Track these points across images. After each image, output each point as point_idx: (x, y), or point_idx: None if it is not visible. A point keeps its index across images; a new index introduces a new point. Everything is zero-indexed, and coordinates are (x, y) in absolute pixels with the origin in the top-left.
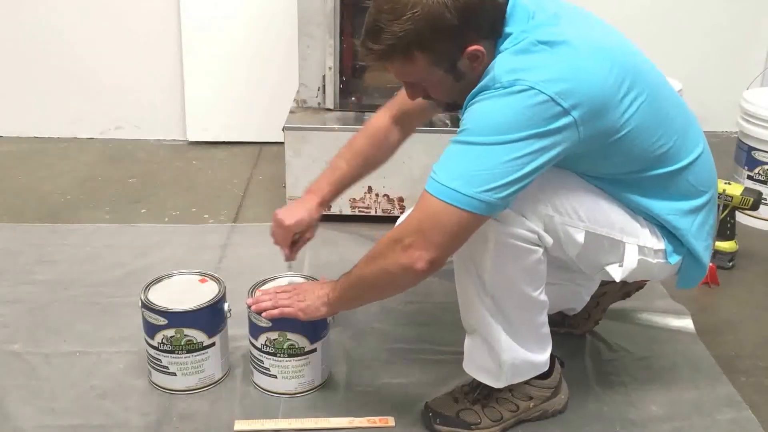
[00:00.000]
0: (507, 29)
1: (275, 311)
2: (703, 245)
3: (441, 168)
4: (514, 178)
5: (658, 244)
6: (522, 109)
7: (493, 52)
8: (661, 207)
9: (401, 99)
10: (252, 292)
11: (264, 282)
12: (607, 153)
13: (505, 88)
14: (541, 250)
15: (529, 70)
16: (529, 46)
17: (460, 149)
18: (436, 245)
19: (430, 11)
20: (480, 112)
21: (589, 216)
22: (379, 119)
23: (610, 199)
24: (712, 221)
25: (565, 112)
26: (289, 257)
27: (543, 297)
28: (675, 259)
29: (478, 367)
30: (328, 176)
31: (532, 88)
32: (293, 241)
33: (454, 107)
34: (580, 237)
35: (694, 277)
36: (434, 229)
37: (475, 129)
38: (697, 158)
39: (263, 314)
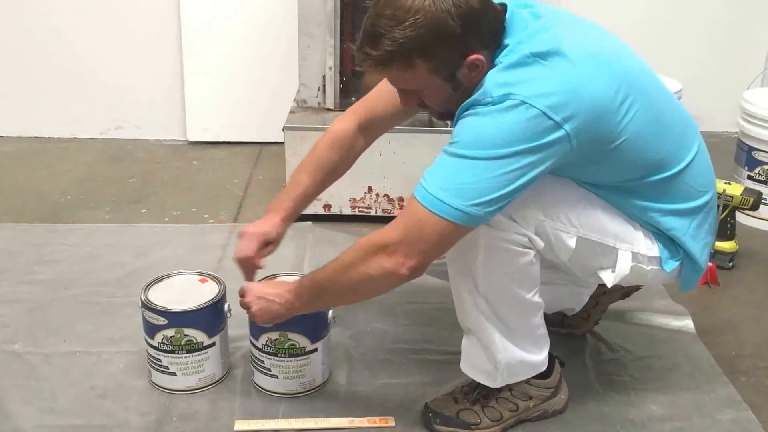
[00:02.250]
0: (505, 41)
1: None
2: (701, 244)
3: (431, 176)
4: (503, 193)
5: (653, 251)
6: (514, 124)
7: (491, 63)
8: (659, 209)
9: (369, 105)
10: None
11: (264, 279)
12: (602, 161)
13: (496, 103)
14: (532, 252)
15: (520, 84)
16: (521, 59)
17: (451, 161)
18: (419, 252)
19: (434, 18)
20: (472, 125)
21: (581, 221)
22: (344, 126)
23: (605, 205)
24: (712, 220)
25: (557, 126)
26: (249, 278)
27: (537, 299)
28: (671, 266)
29: (474, 367)
30: (290, 192)
31: (524, 103)
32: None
33: (448, 116)
34: (572, 242)
35: (693, 278)
36: (418, 236)
37: (466, 142)
38: (693, 159)
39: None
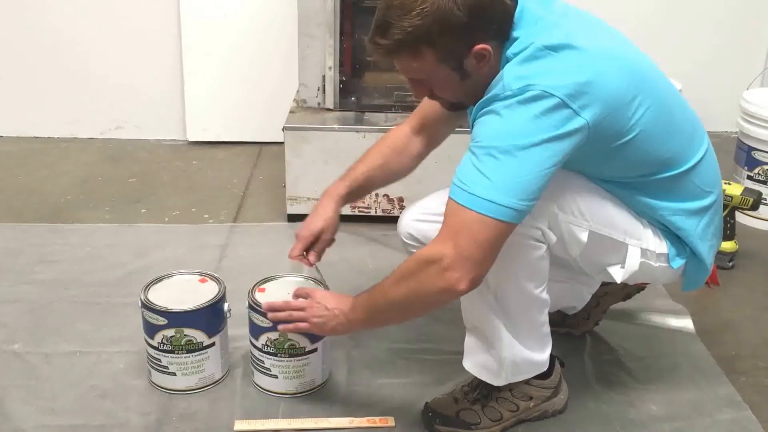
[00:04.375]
0: (514, 33)
1: (290, 326)
2: (707, 245)
3: (469, 178)
4: (542, 183)
5: (661, 247)
6: (537, 113)
7: (500, 55)
8: (667, 208)
9: (420, 108)
10: (253, 290)
11: (265, 280)
12: (611, 156)
13: (517, 95)
14: (544, 246)
15: (538, 75)
16: (535, 53)
17: (486, 158)
18: (476, 262)
19: (440, 8)
20: (496, 120)
21: (593, 216)
22: (398, 128)
23: (616, 200)
24: (718, 221)
25: (575, 114)
26: (309, 263)
27: (545, 295)
28: (678, 263)
29: (478, 364)
30: (343, 176)
31: (544, 92)
32: (312, 243)
33: (459, 107)
34: (584, 236)
35: (698, 278)
36: (472, 245)
37: (495, 136)
38: (701, 159)
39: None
